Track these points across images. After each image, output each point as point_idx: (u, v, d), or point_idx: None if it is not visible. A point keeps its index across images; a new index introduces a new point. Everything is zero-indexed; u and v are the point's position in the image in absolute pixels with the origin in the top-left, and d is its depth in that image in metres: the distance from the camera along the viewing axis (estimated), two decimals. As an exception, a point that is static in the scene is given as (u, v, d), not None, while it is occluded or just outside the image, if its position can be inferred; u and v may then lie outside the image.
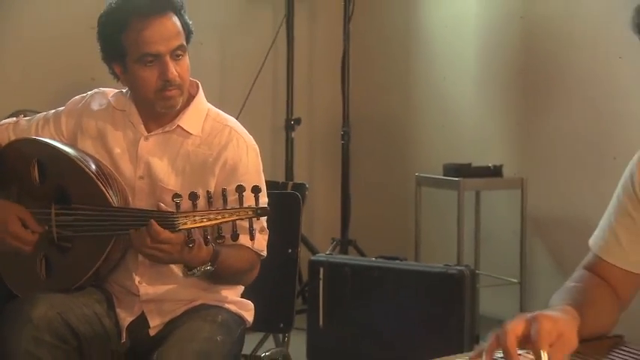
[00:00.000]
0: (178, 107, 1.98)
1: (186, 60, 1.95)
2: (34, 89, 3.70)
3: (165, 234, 1.72)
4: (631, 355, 1.31)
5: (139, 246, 1.76)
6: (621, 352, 1.33)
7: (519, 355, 1.17)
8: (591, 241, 1.51)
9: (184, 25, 1.96)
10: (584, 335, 1.31)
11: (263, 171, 2.07)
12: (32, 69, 3.87)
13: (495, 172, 3.74)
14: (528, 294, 3.68)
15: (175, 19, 1.93)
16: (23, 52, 3.87)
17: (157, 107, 1.96)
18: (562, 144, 3.68)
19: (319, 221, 4.66)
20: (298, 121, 4.28)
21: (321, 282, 3.43)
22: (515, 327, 1.16)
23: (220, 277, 1.91)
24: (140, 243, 1.75)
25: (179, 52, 1.92)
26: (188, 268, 1.84)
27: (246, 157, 1.98)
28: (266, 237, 1.98)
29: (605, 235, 1.48)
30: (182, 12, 1.96)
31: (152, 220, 1.73)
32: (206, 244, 1.77)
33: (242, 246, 1.89)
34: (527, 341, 1.18)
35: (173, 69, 1.90)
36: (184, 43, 1.94)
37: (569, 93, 3.64)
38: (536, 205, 3.74)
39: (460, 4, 4.18)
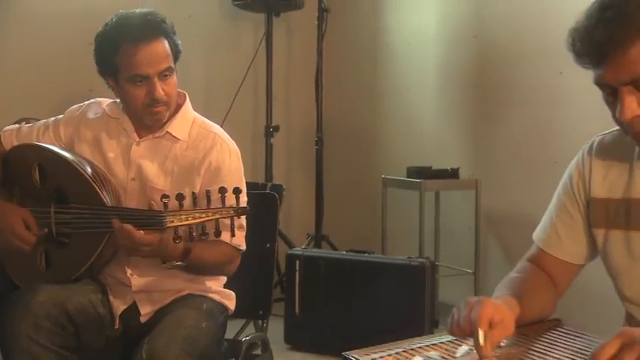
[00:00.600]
0: (165, 119, 1.98)
1: (173, 79, 1.95)
2: (36, 99, 3.66)
3: (140, 235, 1.73)
4: (567, 335, 1.33)
5: (125, 243, 1.77)
6: (559, 332, 1.35)
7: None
8: (534, 235, 1.54)
9: (173, 47, 1.95)
10: (526, 319, 1.34)
11: (245, 173, 2.07)
12: (35, 81, 3.83)
13: (453, 174, 3.75)
14: (482, 282, 3.69)
15: (165, 43, 1.92)
16: (27, 66, 3.83)
17: (145, 120, 1.97)
18: (511, 149, 3.69)
19: (296, 218, 4.66)
20: (277, 128, 4.27)
21: (297, 273, 3.43)
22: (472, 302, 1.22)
23: (196, 269, 1.92)
24: (125, 240, 1.76)
25: (166, 73, 1.92)
26: (162, 261, 1.85)
27: (229, 160, 1.99)
28: (244, 233, 1.98)
29: (546, 229, 1.50)
30: (172, 35, 1.96)
31: (115, 220, 1.74)
32: (178, 241, 1.76)
33: (222, 242, 1.89)
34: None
35: (160, 89, 1.90)
36: (172, 65, 1.94)
37: (516, 104, 3.66)
38: (488, 203, 3.76)
39: (421, 24, 4.19)
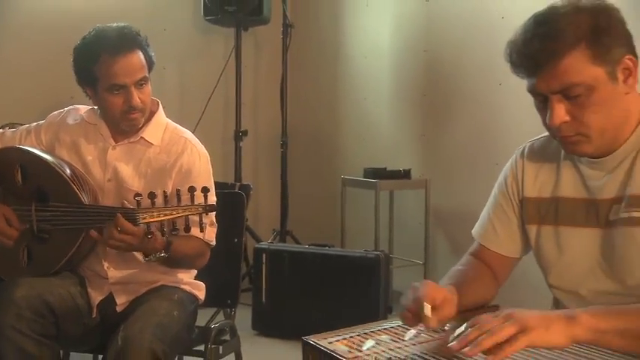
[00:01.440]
0: (140, 125, 1.96)
1: (148, 87, 1.94)
2: (20, 105, 3.60)
3: (130, 226, 1.70)
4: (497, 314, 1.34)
5: (107, 237, 1.73)
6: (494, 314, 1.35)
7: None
8: (474, 231, 1.54)
9: (148, 58, 1.94)
10: (467, 305, 1.36)
11: (215, 174, 2.06)
12: (19, 88, 3.77)
13: (405, 174, 3.76)
14: (431, 272, 3.71)
15: (140, 55, 1.90)
16: (12, 74, 3.76)
17: (122, 126, 1.95)
18: (457, 152, 3.72)
19: (263, 215, 4.64)
20: (245, 132, 4.25)
21: (264, 265, 3.43)
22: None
23: (174, 262, 1.90)
24: (108, 235, 1.72)
25: (142, 82, 1.90)
26: (146, 255, 1.82)
27: (198, 163, 1.97)
28: (215, 229, 1.97)
29: (484, 226, 1.51)
30: (146, 47, 1.94)
31: (119, 214, 1.71)
32: (162, 236, 1.75)
33: (193, 237, 1.88)
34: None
35: (136, 97, 1.88)
36: (147, 75, 1.92)
37: (461, 111, 3.68)
38: (437, 201, 3.78)
39: (377, 39, 4.20)
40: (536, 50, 1.19)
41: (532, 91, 1.25)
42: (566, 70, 1.18)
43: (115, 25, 1.93)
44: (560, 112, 1.21)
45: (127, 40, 1.89)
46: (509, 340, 1.01)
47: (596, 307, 1.13)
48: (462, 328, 1.07)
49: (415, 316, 1.22)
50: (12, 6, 3.82)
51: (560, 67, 1.18)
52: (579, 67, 1.18)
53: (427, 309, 1.19)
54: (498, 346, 1.01)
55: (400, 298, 1.28)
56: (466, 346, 1.03)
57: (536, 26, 1.21)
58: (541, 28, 1.20)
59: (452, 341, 1.07)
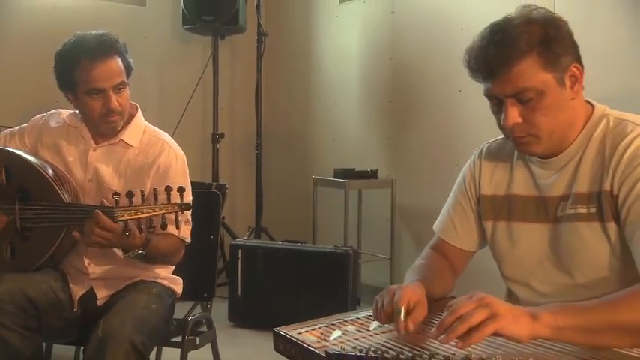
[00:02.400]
0: (119, 128, 1.94)
1: (126, 91, 1.91)
2: (6, 109, 3.54)
3: (109, 222, 1.68)
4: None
5: (88, 233, 1.71)
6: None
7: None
8: (435, 226, 1.55)
9: (126, 64, 1.91)
10: (432, 297, 1.37)
11: (193, 174, 2.05)
12: (5, 93, 3.70)
13: (372, 175, 3.78)
14: (396, 267, 3.74)
15: (119, 61, 1.88)
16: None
17: (101, 128, 1.93)
18: (421, 154, 3.74)
19: (239, 213, 4.62)
20: (222, 135, 4.23)
21: (239, 261, 3.42)
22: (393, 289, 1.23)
23: (152, 258, 1.88)
24: (89, 231, 1.70)
25: (120, 87, 1.88)
26: (125, 251, 1.80)
27: (175, 163, 1.96)
28: (190, 227, 1.96)
29: (444, 221, 1.52)
30: (125, 54, 1.92)
31: (97, 211, 1.68)
32: (140, 233, 1.73)
33: (170, 234, 1.86)
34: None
35: (115, 100, 1.86)
36: (125, 80, 1.90)
37: (424, 116, 3.70)
38: (402, 200, 3.80)
39: (346, 47, 4.21)
40: (492, 56, 1.21)
41: (488, 94, 1.26)
42: (519, 75, 1.20)
43: (94, 32, 1.91)
44: (514, 114, 1.23)
45: (105, 47, 1.86)
46: (478, 327, 1.01)
47: (557, 304, 1.13)
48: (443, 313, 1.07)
49: (388, 317, 1.20)
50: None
51: (514, 72, 1.20)
52: (531, 72, 1.20)
53: (402, 312, 1.17)
54: (468, 331, 1.01)
55: (375, 298, 1.26)
56: (443, 332, 1.03)
57: (492, 34, 1.23)
58: (497, 36, 1.22)
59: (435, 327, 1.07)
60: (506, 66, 1.20)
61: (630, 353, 1.06)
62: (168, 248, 1.90)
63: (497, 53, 1.20)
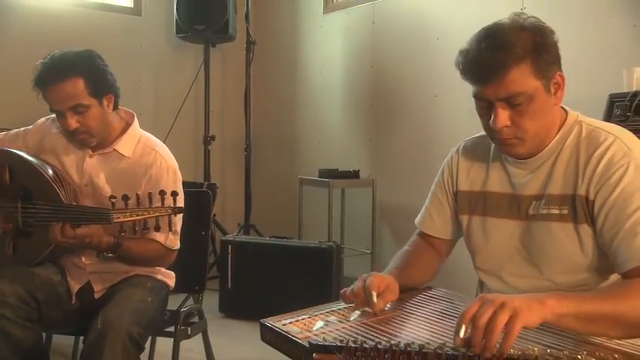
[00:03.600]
0: (94, 144, 1.89)
1: (91, 112, 1.81)
2: (7, 114, 3.51)
3: (71, 232, 1.66)
4: (432, 298, 1.36)
5: (52, 239, 1.69)
6: (427, 295, 1.38)
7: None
8: (416, 220, 1.56)
9: (91, 83, 1.79)
10: (417, 279, 1.41)
11: (186, 175, 2.02)
12: (6, 98, 3.66)
13: (355, 174, 3.78)
14: (377, 260, 3.75)
15: (78, 82, 1.77)
16: (2, 85, 3.66)
17: (74, 145, 1.90)
18: (400, 155, 3.75)
19: (229, 211, 4.61)
20: (213, 137, 4.21)
21: (230, 255, 3.41)
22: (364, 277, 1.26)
23: (125, 260, 1.86)
24: (52, 236, 1.69)
25: (79, 110, 1.80)
26: (97, 254, 1.79)
27: (166, 175, 1.91)
28: (177, 237, 1.93)
29: (424, 214, 1.53)
30: (94, 72, 1.81)
31: (53, 224, 1.67)
32: (134, 232, 1.70)
33: (154, 240, 1.85)
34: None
35: (70, 121, 1.80)
36: (83, 102, 1.78)
37: (403, 119, 3.72)
38: (382, 198, 3.81)
39: (330, 55, 4.22)
40: (488, 59, 1.18)
41: (479, 96, 1.24)
42: (513, 81, 1.18)
43: (62, 52, 1.82)
44: (504, 117, 1.22)
45: (59, 71, 1.76)
46: (508, 331, 0.95)
47: (560, 292, 1.12)
48: (462, 329, 0.99)
49: (362, 301, 1.24)
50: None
51: (509, 77, 1.18)
52: (523, 79, 1.19)
53: (374, 296, 1.22)
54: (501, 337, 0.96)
55: (352, 285, 1.29)
56: (482, 351, 0.96)
57: (488, 38, 1.20)
58: (493, 40, 1.19)
59: (459, 345, 0.98)
60: (501, 71, 1.18)
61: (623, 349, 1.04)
62: (147, 254, 1.87)
63: (494, 57, 1.18)
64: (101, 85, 1.83)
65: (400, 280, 1.32)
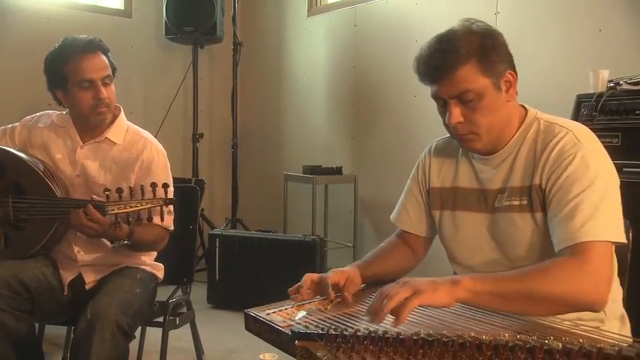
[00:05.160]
0: (107, 121, 1.91)
1: (112, 87, 1.89)
2: (4, 113, 3.46)
3: (98, 215, 1.66)
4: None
5: (76, 223, 1.68)
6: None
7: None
8: (391, 216, 1.57)
9: (110, 62, 1.90)
10: (380, 273, 1.43)
11: (175, 170, 2.03)
12: (2, 97, 3.61)
13: (337, 171, 3.79)
14: (359, 253, 3.76)
15: (104, 57, 1.87)
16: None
17: (91, 120, 1.89)
18: (380, 152, 3.77)
19: (217, 205, 4.59)
20: (201, 135, 4.20)
21: (217, 249, 3.40)
22: (312, 276, 1.33)
23: (137, 247, 1.87)
24: (77, 221, 1.68)
25: (107, 81, 1.86)
26: (111, 242, 1.78)
27: (157, 158, 1.94)
28: (172, 216, 1.94)
29: (400, 210, 1.54)
30: (108, 54, 1.90)
31: (89, 205, 1.66)
32: (127, 224, 1.71)
33: (154, 224, 1.84)
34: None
35: (103, 91, 1.84)
36: (111, 74, 1.88)
37: (384, 118, 3.73)
38: (364, 193, 3.83)
39: (313, 57, 4.22)
40: (438, 61, 1.23)
41: (435, 96, 1.28)
42: (461, 79, 1.22)
43: (81, 36, 1.89)
44: (456, 113, 1.25)
45: (92, 44, 1.86)
46: (404, 303, 1.03)
47: (478, 273, 1.17)
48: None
49: (321, 292, 1.30)
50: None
51: (457, 76, 1.22)
52: (471, 76, 1.22)
53: (329, 287, 1.28)
54: (396, 309, 1.04)
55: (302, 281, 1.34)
56: (375, 314, 1.06)
57: (438, 43, 1.25)
58: (442, 45, 1.24)
59: (366, 313, 1.10)
60: (449, 70, 1.22)
61: (559, 326, 1.08)
62: (152, 238, 1.89)
63: (442, 58, 1.22)
64: (113, 66, 1.90)
65: (364, 272, 1.36)
